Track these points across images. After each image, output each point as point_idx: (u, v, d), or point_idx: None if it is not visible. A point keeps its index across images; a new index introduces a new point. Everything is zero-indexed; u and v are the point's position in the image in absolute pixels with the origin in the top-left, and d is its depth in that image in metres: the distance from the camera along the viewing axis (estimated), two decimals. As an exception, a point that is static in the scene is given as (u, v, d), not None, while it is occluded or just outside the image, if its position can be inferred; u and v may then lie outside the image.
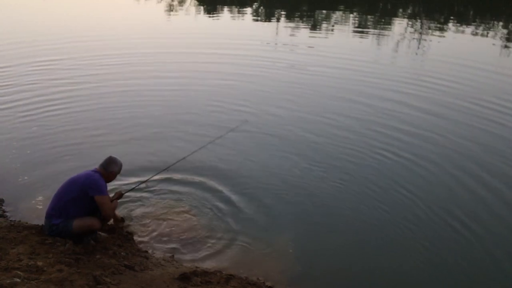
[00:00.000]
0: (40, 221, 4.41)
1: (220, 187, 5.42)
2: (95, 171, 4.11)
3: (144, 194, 5.16)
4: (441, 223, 4.94)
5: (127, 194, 4.68)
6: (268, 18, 21.33)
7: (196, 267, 4.00)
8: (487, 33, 17.83)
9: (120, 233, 4.40)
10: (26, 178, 5.42)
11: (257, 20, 20.61)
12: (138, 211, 4.87)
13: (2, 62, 10.66)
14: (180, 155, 5.38)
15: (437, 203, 5.28)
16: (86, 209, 4.03)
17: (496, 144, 6.87)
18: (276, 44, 14.65)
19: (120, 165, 4.23)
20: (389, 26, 19.22)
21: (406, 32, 17.80)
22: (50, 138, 6.59)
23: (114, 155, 4.25)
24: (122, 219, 4.64)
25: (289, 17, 21.51)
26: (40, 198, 4.95)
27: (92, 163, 5.56)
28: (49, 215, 4.05)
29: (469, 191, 5.55)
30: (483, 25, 19.92)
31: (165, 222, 4.71)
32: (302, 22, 20.23)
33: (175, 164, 5.09)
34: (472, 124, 7.66)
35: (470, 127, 7.55)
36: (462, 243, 4.61)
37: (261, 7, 25.20)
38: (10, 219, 4.57)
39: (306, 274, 4.12)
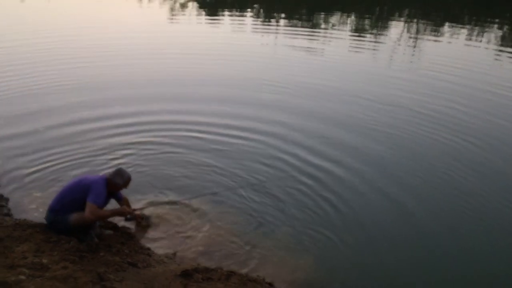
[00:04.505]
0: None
1: (220, 185, 5.47)
2: (105, 178, 4.20)
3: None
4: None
5: None
6: (267, 20, 21.46)
7: (198, 264, 4.05)
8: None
9: (124, 231, 4.47)
10: (30, 176, 5.45)
11: (256, 22, 20.71)
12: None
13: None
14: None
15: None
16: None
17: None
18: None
19: (127, 179, 4.28)
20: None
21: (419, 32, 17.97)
22: (55, 136, 6.61)
23: (123, 168, 4.36)
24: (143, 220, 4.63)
25: (289, 20, 21.62)
26: (44, 196, 4.98)
27: (97, 164, 5.69)
28: (50, 208, 4.17)
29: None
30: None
31: (166, 220, 4.76)
32: (301, 25, 20.33)
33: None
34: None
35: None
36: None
37: (261, 10, 25.30)
38: (15, 217, 4.61)
39: (306, 272, 4.16)
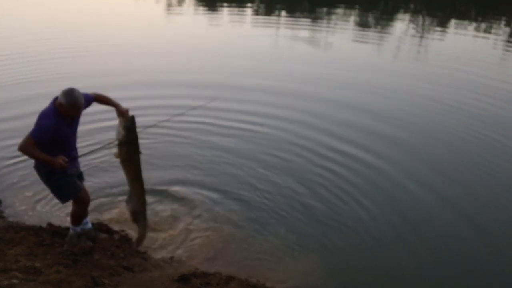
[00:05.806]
0: (38, 221, 4.37)
1: (216, 187, 5.35)
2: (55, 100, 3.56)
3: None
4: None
5: None
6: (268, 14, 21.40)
7: (196, 268, 3.95)
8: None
9: (119, 233, 4.38)
10: (23, 178, 5.29)
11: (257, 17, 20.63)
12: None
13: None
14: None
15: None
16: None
17: None
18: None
19: (71, 102, 3.44)
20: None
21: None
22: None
23: (76, 89, 3.49)
24: None
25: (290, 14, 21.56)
26: (38, 198, 4.88)
27: (91, 159, 5.56)
28: None
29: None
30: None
31: (164, 223, 4.66)
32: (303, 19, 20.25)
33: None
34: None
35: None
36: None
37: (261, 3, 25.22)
38: (8, 219, 4.52)
39: (312, 277, 4.05)
